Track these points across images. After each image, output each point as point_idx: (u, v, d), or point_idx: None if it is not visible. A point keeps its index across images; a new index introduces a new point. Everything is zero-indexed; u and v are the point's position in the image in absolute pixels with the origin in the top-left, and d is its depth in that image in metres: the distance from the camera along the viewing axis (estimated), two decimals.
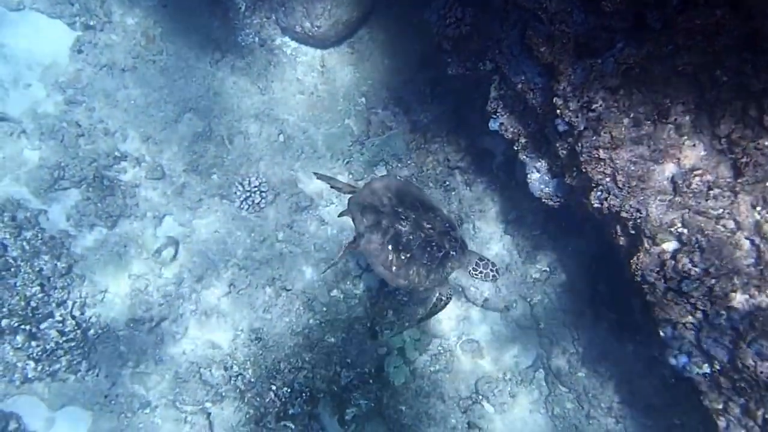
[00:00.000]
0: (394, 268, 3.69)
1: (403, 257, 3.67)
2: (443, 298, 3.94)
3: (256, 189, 5.73)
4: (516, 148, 4.48)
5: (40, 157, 5.74)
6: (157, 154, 5.92)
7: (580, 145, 3.70)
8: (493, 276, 3.90)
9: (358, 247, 3.87)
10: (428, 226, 3.71)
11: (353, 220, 3.86)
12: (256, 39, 6.12)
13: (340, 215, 4.02)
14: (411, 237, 3.68)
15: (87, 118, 5.90)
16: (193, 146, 5.94)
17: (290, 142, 6.01)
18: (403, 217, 3.72)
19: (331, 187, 4.14)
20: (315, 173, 4.25)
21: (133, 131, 5.96)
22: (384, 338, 5.42)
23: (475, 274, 3.90)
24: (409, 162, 5.83)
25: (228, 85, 6.09)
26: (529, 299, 5.42)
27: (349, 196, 3.94)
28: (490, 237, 5.65)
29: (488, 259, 3.91)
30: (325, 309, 5.56)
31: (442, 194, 5.75)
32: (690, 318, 3.38)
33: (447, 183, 5.76)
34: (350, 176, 5.96)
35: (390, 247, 3.68)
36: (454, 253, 3.73)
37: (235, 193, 5.77)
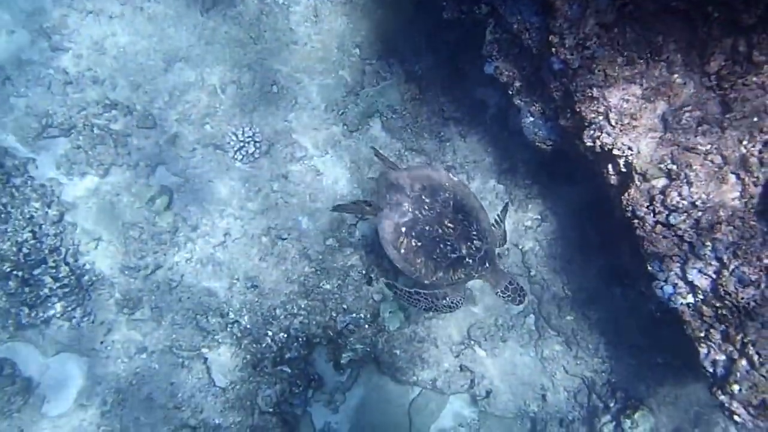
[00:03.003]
0: (402, 250, 3.74)
1: (413, 243, 3.72)
2: (448, 301, 3.98)
3: (249, 139, 5.71)
4: (511, 93, 4.52)
5: (26, 105, 5.63)
6: (147, 103, 5.84)
7: (574, 84, 3.75)
8: (519, 301, 3.99)
9: (373, 216, 3.91)
10: (450, 225, 3.73)
11: (377, 193, 3.90)
12: None
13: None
14: (427, 228, 3.71)
15: (74, 66, 5.79)
16: (184, 96, 5.88)
17: (284, 92, 5.98)
18: (426, 207, 3.75)
19: (378, 157, 4.25)
20: (372, 147, 4.36)
21: (123, 80, 5.86)
22: (379, 285, 5.53)
23: (503, 297, 3.97)
24: (404, 113, 5.84)
25: (219, 35, 6.00)
26: (521, 247, 5.54)
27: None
28: (484, 186, 5.73)
29: (518, 284, 3.96)
30: (320, 257, 5.63)
31: (437, 145, 5.80)
32: (677, 250, 3.50)
33: (442, 134, 5.80)
34: (345, 127, 5.96)
35: (403, 229, 3.73)
36: (470, 261, 3.76)
37: (229, 143, 5.75)
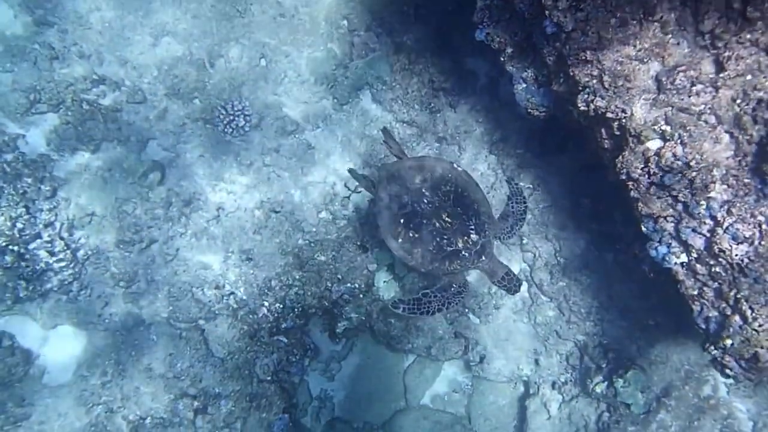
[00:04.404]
0: (400, 240, 3.83)
1: (411, 235, 3.80)
2: (456, 287, 4.09)
3: (239, 112, 5.65)
4: (502, 59, 4.49)
5: (13, 80, 5.54)
6: (136, 78, 5.76)
7: (567, 47, 3.73)
8: (515, 291, 4.14)
9: (372, 195, 3.92)
10: (448, 219, 3.78)
11: (378, 182, 3.92)
12: None
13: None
14: (424, 221, 3.79)
15: (60, 41, 5.68)
16: (173, 70, 5.80)
17: (272, 66, 5.91)
18: (426, 201, 3.81)
19: (387, 142, 4.23)
20: (383, 130, 4.37)
21: (110, 55, 5.76)
22: (374, 254, 5.56)
23: (500, 286, 4.11)
24: (393, 84, 5.81)
25: (206, 8, 5.89)
26: None
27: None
28: (476, 157, 5.73)
29: (514, 274, 4.09)
30: (314, 230, 5.64)
31: (428, 116, 5.78)
32: (671, 211, 3.52)
33: (432, 105, 5.77)
34: (335, 100, 5.92)
35: (402, 220, 3.82)
36: (466, 254, 3.85)
37: (218, 117, 5.69)
